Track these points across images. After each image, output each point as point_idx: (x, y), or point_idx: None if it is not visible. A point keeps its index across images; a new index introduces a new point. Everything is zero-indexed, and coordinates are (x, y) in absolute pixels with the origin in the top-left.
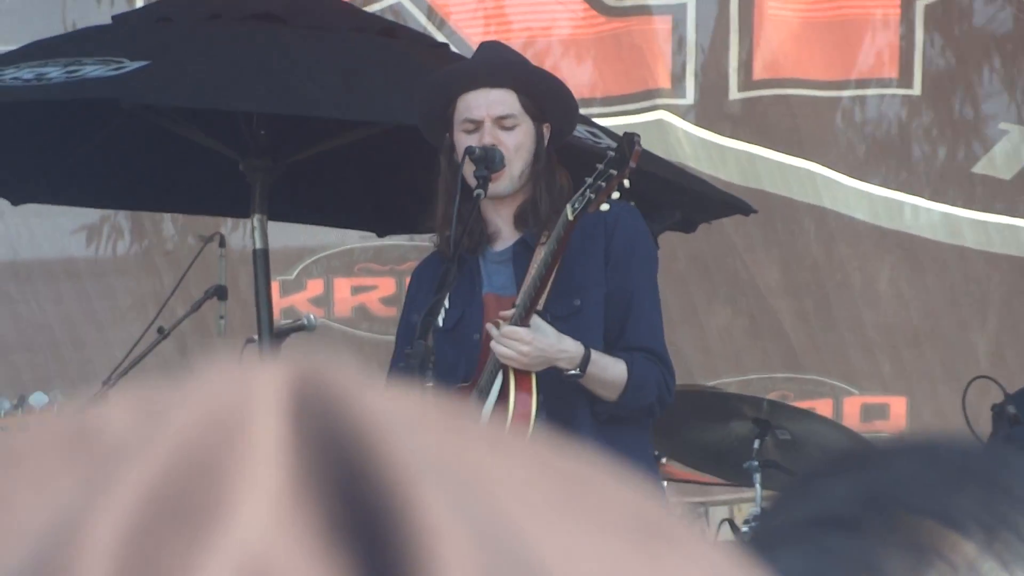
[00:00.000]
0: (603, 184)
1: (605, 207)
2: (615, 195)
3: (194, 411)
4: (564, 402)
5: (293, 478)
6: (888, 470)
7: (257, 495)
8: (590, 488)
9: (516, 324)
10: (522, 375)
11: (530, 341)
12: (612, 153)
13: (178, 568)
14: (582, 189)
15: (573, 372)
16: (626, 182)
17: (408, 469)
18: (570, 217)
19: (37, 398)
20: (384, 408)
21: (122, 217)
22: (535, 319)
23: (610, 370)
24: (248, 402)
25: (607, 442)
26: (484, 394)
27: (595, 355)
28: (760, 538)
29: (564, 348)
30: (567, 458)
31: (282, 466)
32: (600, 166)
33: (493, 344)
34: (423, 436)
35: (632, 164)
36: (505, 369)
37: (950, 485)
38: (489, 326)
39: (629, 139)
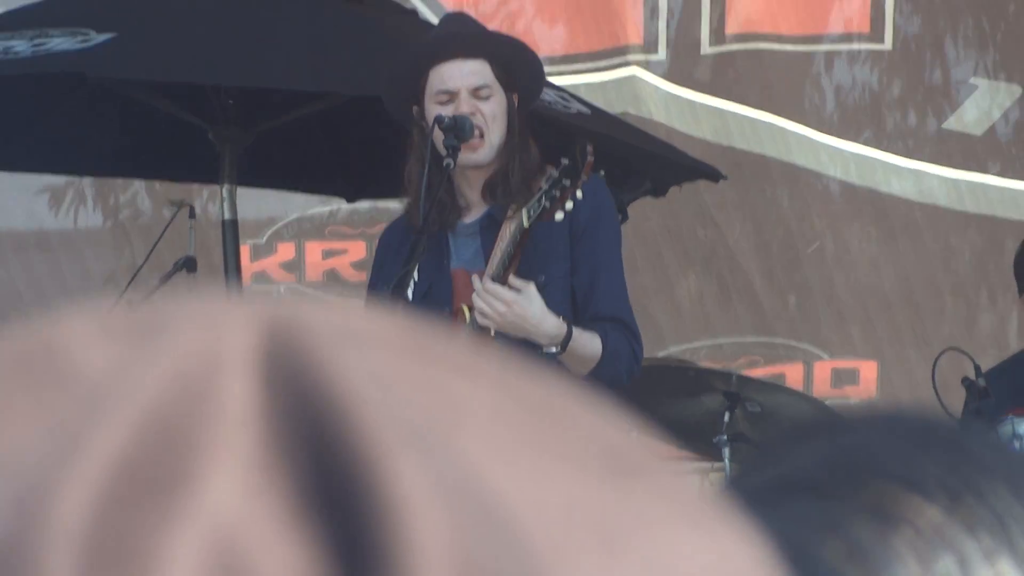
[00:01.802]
0: (557, 194)
1: (559, 216)
2: (568, 205)
3: (163, 370)
4: None
5: (263, 443)
6: (855, 436)
7: (227, 463)
8: (559, 418)
9: None
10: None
11: (510, 302)
12: (565, 162)
13: (148, 543)
14: (537, 196)
15: (554, 350)
16: (579, 193)
17: (382, 436)
18: (525, 224)
19: None
20: (353, 357)
21: (87, 184)
22: (530, 288)
23: (588, 346)
24: (217, 360)
25: None
26: None
27: (576, 332)
28: (727, 501)
29: (546, 325)
30: (537, 385)
31: (252, 430)
32: (555, 174)
33: (473, 296)
34: (387, 365)
35: (584, 177)
36: None
37: (916, 451)
38: (473, 277)
39: (582, 149)
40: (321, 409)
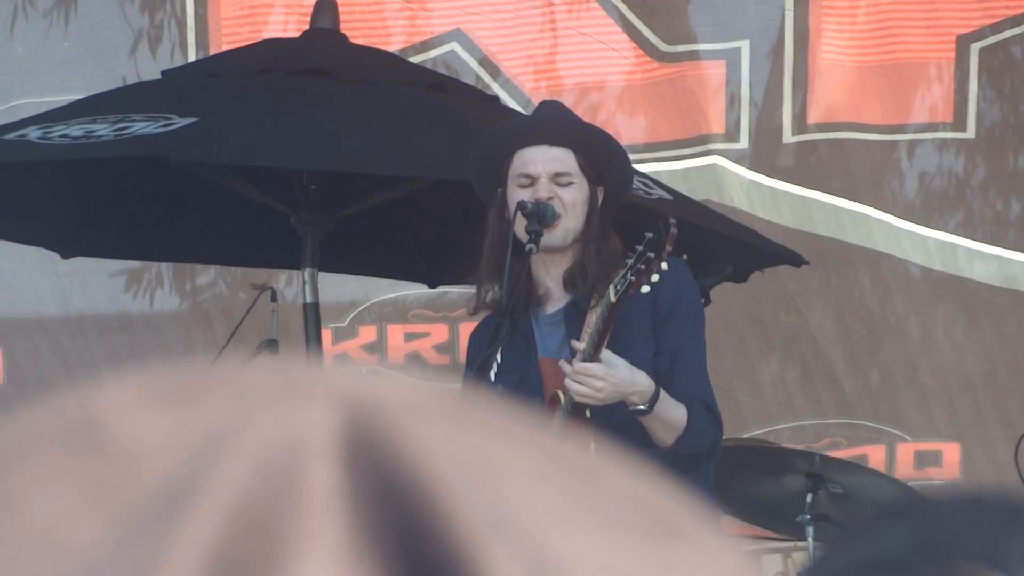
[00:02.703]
0: (642, 267)
1: (646, 289)
2: (655, 277)
3: (245, 459)
4: None
5: (350, 529)
6: (938, 516)
7: (316, 552)
8: (601, 481)
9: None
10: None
11: (604, 376)
12: (650, 235)
13: None
14: (623, 272)
15: (642, 407)
16: (664, 265)
17: (473, 525)
18: (612, 299)
19: None
20: (430, 437)
21: (167, 269)
22: (606, 353)
23: (673, 411)
24: (298, 447)
25: None
26: None
27: (663, 394)
28: None
29: (637, 382)
30: (576, 448)
31: (338, 517)
32: (639, 247)
33: (567, 382)
34: (461, 443)
35: (668, 248)
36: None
37: (998, 530)
38: (562, 363)
39: (666, 222)
40: (407, 494)
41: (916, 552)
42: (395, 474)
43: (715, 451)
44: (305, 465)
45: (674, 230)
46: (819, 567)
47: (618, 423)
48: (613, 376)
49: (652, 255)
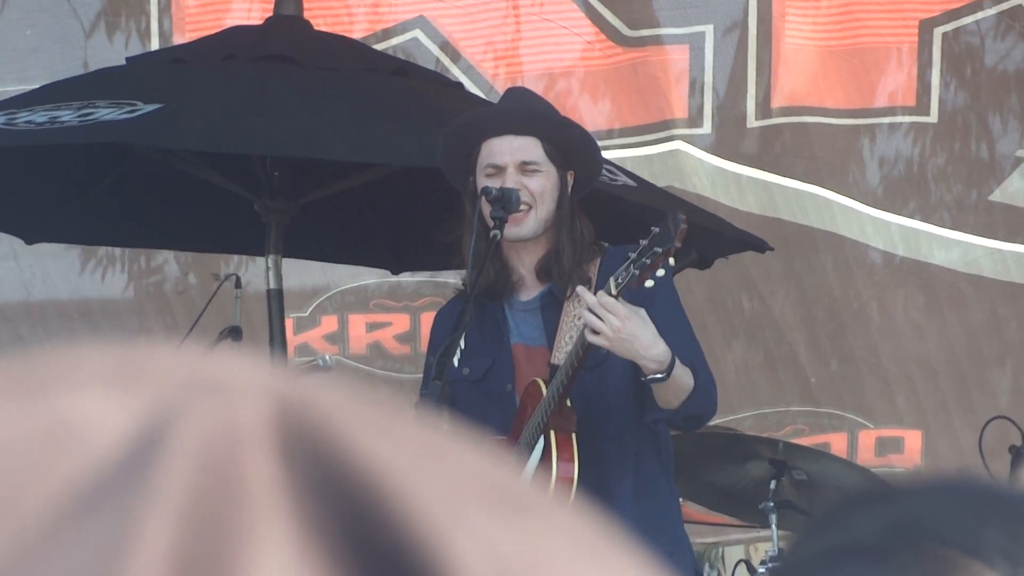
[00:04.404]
0: (647, 261)
1: (650, 283)
2: (660, 272)
3: (183, 456)
4: (605, 479)
5: (297, 521)
6: (914, 502)
7: (268, 545)
8: (446, 458)
9: None
10: (564, 439)
11: (626, 317)
12: (656, 230)
13: None
14: (626, 264)
15: (659, 376)
16: (671, 260)
17: (430, 517)
18: (613, 292)
19: None
20: (368, 432)
21: (128, 256)
22: (643, 312)
23: (685, 376)
24: (235, 441)
25: (642, 519)
26: (527, 453)
27: (677, 360)
28: (787, 567)
29: (656, 349)
30: (423, 428)
31: (282, 509)
32: (644, 242)
33: (584, 312)
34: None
35: (677, 243)
36: (547, 432)
37: (976, 516)
38: (580, 288)
39: (675, 218)
40: (351, 485)
41: (891, 537)
42: (335, 464)
43: (713, 412)
44: (243, 458)
45: (684, 226)
46: (792, 553)
47: (600, 412)
48: (633, 325)
49: (659, 250)
